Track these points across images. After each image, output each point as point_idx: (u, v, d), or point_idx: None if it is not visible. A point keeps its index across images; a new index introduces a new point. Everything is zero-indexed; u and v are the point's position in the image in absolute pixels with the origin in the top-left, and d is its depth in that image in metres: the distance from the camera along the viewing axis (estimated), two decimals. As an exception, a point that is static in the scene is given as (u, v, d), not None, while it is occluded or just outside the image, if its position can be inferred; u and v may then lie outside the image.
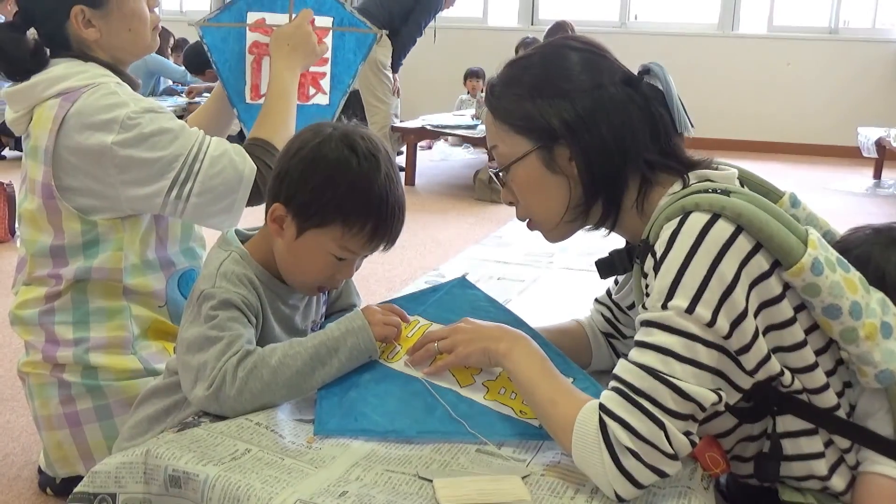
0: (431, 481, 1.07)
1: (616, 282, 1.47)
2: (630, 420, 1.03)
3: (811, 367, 1.11)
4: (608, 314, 1.49)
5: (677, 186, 1.18)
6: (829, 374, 1.14)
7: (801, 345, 1.10)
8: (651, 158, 1.20)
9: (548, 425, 1.14)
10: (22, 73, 1.66)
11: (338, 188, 1.24)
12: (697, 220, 1.07)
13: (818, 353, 1.13)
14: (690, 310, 1.04)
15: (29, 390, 1.75)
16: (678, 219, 1.09)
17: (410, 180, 5.84)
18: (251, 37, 1.92)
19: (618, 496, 1.03)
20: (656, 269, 1.09)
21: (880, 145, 5.91)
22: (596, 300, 1.53)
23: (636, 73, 1.25)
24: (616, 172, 1.20)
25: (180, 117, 6.51)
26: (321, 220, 1.26)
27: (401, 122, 6.32)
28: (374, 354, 1.28)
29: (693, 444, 1.06)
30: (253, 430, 1.18)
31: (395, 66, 6.30)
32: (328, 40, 1.96)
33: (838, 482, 1.15)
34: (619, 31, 8.19)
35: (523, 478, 1.09)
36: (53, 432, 1.72)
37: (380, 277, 3.57)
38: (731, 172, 1.21)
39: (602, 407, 1.06)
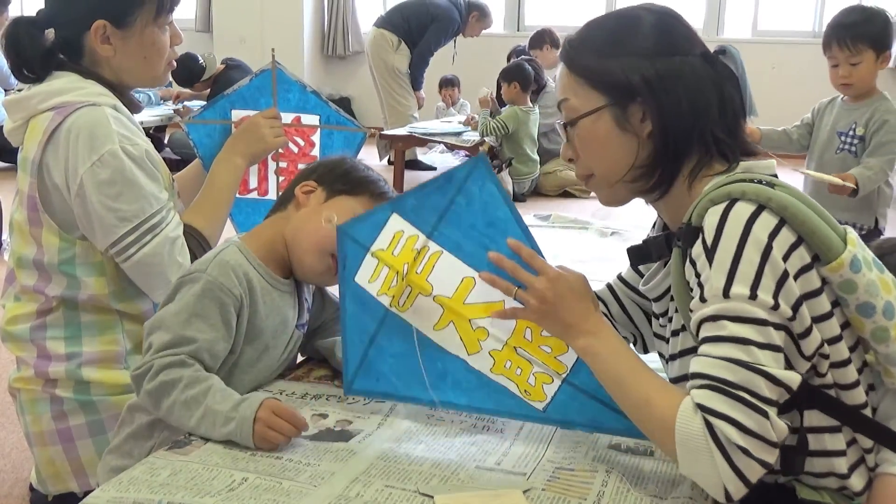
0: (433, 497, 1.06)
1: (640, 274, 1.43)
2: (736, 416, 1.01)
3: (845, 363, 1.13)
4: (604, 310, 1.47)
5: (723, 177, 1.17)
6: (857, 372, 1.15)
7: (837, 339, 1.12)
8: (718, 134, 1.20)
9: (644, 428, 1.12)
10: (28, 71, 1.65)
11: (370, 173, 1.51)
12: (743, 210, 1.08)
13: (849, 350, 1.14)
14: (753, 296, 1.04)
15: (20, 406, 1.73)
16: (724, 204, 1.09)
17: (399, 187, 5.82)
18: None
19: (728, 496, 1.02)
20: (709, 257, 1.08)
21: (866, 147, 5.93)
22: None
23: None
24: (686, 138, 1.19)
25: (164, 127, 6.39)
26: (353, 188, 1.46)
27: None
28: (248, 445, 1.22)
29: (789, 427, 1.05)
30: (248, 459, 1.17)
31: (416, 83, 6.41)
32: (316, 138, 2.00)
33: (857, 482, 1.15)
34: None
35: (524, 492, 1.09)
36: (45, 448, 1.70)
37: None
38: (771, 162, 1.22)
39: (702, 407, 1.04)
